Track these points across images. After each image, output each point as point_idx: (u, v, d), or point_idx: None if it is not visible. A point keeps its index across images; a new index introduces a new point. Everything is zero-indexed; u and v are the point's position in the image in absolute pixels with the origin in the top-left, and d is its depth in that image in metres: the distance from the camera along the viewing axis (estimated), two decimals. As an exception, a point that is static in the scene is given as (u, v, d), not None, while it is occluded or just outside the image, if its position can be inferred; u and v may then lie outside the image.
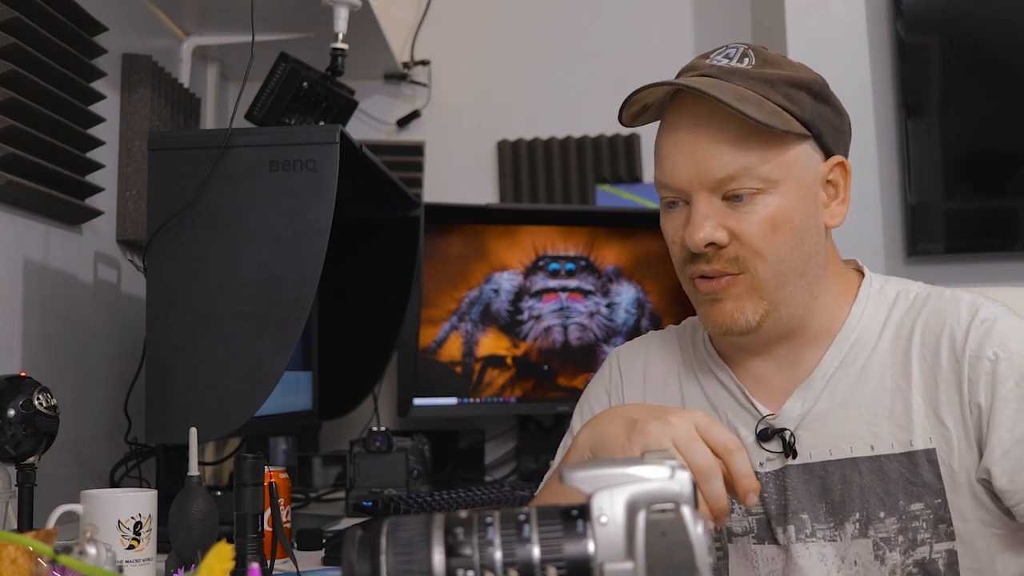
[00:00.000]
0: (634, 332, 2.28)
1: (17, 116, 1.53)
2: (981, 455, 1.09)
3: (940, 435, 1.10)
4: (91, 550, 0.77)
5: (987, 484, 1.09)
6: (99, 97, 1.80)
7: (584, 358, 2.29)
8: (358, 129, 2.48)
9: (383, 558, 0.61)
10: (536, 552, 0.61)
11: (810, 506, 1.15)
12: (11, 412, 1.23)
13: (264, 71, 1.84)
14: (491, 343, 2.26)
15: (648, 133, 2.47)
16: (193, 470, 1.21)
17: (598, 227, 2.32)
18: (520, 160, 2.55)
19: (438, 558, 0.60)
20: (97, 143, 1.80)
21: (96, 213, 1.81)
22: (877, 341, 1.16)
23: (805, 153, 1.13)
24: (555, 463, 1.28)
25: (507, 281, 2.27)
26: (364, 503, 1.81)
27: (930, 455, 1.11)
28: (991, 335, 1.10)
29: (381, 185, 1.93)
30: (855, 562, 1.12)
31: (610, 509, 0.61)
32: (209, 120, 2.40)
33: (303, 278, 1.46)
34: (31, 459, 1.27)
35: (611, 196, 2.51)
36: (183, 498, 1.19)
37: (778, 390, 1.19)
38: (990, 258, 2.27)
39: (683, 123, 1.13)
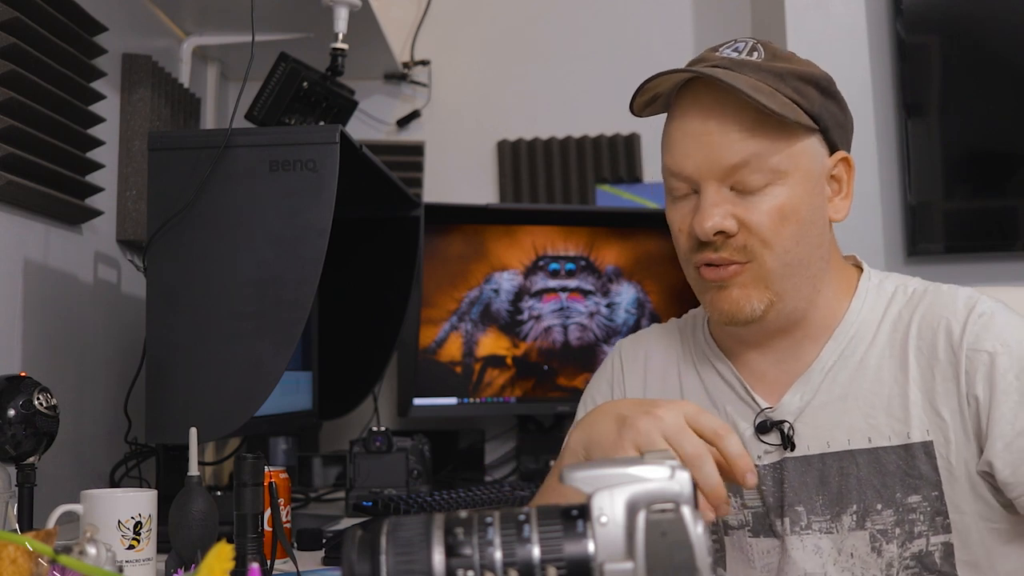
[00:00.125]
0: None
1: (17, 116, 1.53)
2: (979, 448, 1.09)
3: (937, 427, 1.11)
4: (91, 550, 0.77)
5: (988, 477, 1.09)
6: (99, 97, 1.80)
7: (584, 358, 2.29)
8: (358, 129, 2.48)
9: (383, 558, 0.61)
10: (536, 552, 0.61)
11: (807, 498, 1.15)
12: (11, 412, 1.23)
13: (264, 71, 1.84)
14: (491, 343, 2.25)
15: (648, 133, 2.49)
16: (193, 470, 1.20)
17: (598, 227, 2.32)
18: (520, 160, 2.55)
19: (438, 558, 0.60)
20: (97, 143, 1.80)
21: (96, 213, 1.81)
22: (875, 335, 1.17)
23: (812, 146, 1.14)
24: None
25: (507, 281, 2.27)
26: (364, 503, 1.81)
27: (927, 447, 1.11)
28: (989, 329, 1.10)
29: (381, 185, 1.93)
30: (852, 554, 1.13)
31: (610, 509, 0.61)
32: (209, 120, 2.40)
33: (303, 278, 1.46)
34: (31, 459, 1.27)
35: (611, 196, 2.51)
36: (183, 498, 1.19)
37: (777, 383, 1.19)
38: (990, 258, 2.27)
39: (694, 111, 1.13)
